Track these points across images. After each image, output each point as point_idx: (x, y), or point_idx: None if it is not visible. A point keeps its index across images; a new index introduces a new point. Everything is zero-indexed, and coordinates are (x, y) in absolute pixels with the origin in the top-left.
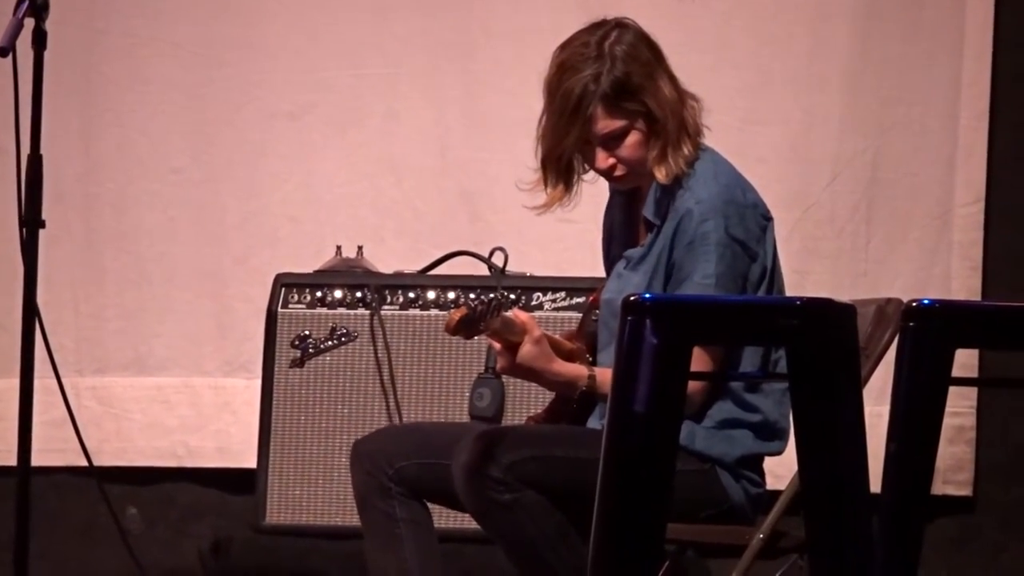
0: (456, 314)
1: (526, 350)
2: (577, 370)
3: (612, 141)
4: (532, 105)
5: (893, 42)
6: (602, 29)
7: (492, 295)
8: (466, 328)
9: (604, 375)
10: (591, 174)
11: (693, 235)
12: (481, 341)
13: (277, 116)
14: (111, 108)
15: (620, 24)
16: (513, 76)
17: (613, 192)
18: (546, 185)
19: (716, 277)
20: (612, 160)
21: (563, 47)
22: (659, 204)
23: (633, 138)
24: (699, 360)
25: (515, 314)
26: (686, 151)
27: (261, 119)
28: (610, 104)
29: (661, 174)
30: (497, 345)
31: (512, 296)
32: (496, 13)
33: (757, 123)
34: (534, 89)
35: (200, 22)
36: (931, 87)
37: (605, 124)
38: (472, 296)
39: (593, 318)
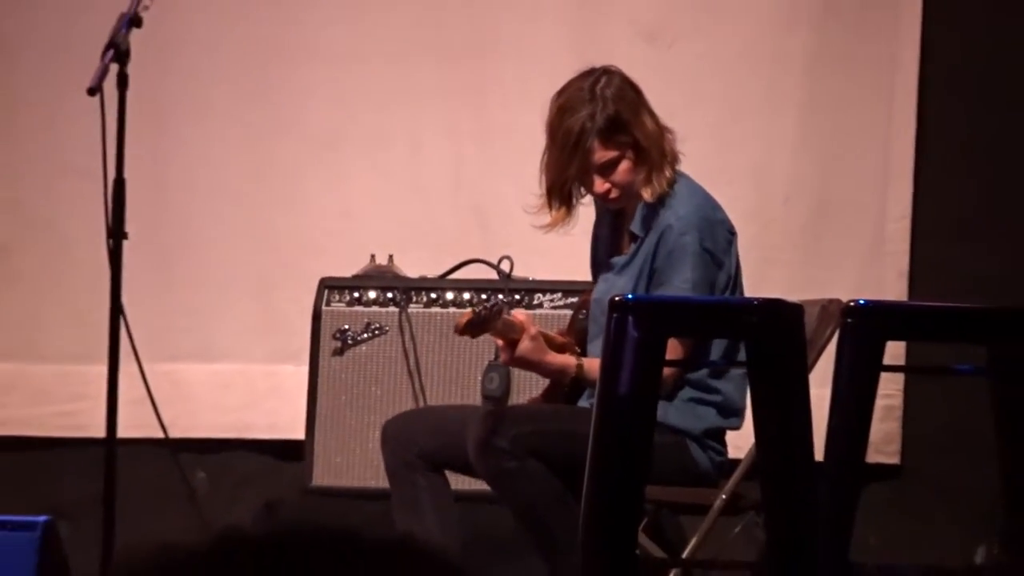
0: (462, 318)
1: (523, 345)
2: (566, 360)
3: (607, 169)
4: (534, 136)
5: (837, 83)
6: (592, 76)
7: (493, 301)
8: (472, 329)
9: (591, 363)
10: (587, 197)
11: (673, 246)
12: (491, 339)
13: (318, 146)
14: (180, 138)
15: (607, 71)
16: (517, 113)
17: (600, 211)
18: (550, 209)
19: (692, 282)
20: (607, 185)
21: (560, 92)
22: (644, 220)
23: (624, 165)
24: (673, 350)
25: (514, 316)
26: (667, 174)
27: (305, 148)
28: (604, 138)
29: (647, 194)
30: (500, 342)
31: (516, 296)
32: (504, 62)
33: (725, 151)
34: (536, 124)
35: (253, 67)
36: (867, 121)
37: (602, 155)
38: (484, 296)
39: (581, 316)
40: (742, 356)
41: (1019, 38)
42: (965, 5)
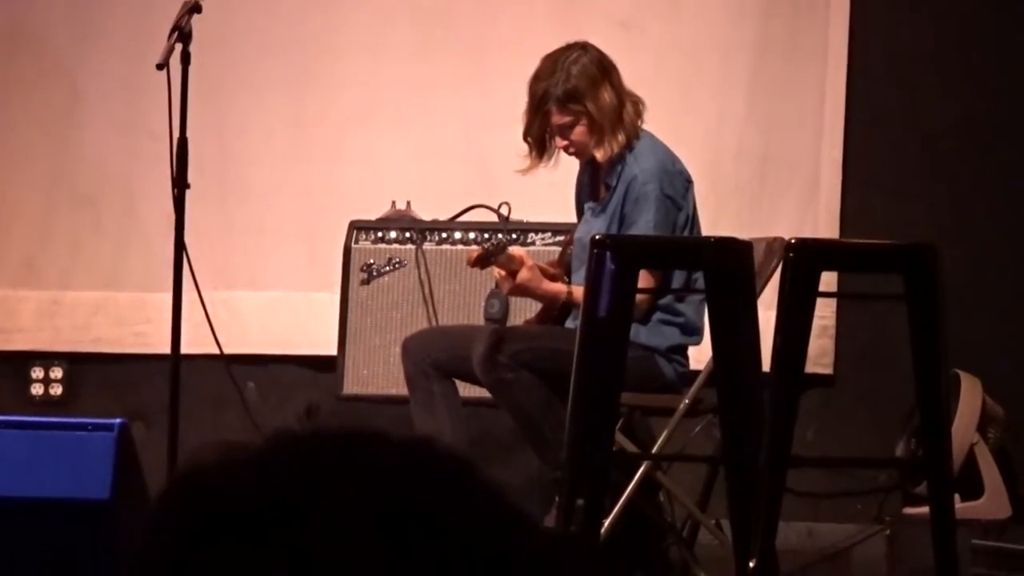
0: (473, 254)
1: (523, 275)
2: (558, 288)
3: (564, 130)
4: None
5: (779, 61)
6: (568, 50)
7: (499, 237)
8: (480, 263)
9: (578, 290)
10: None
11: (638, 193)
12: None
13: (350, 114)
14: (234, 106)
15: (583, 47)
16: (514, 82)
17: (583, 161)
18: (530, 154)
19: (655, 223)
20: (565, 142)
21: (543, 59)
22: (614, 171)
23: (579, 129)
24: (646, 280)
25: (514, 251)
26: (620, 139)
27: (339, 116)
28: (560, 105)
29: (599, 154)
30: (502, 273)
31: (513, 236)
32: (503, 38)
33: (686, 117)
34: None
35: (297, 45)
36: (804, 92)
37: (558, 119)
38: (487, 236)
39: (568, 251)
40: (701, 284)
41: (939, 10)
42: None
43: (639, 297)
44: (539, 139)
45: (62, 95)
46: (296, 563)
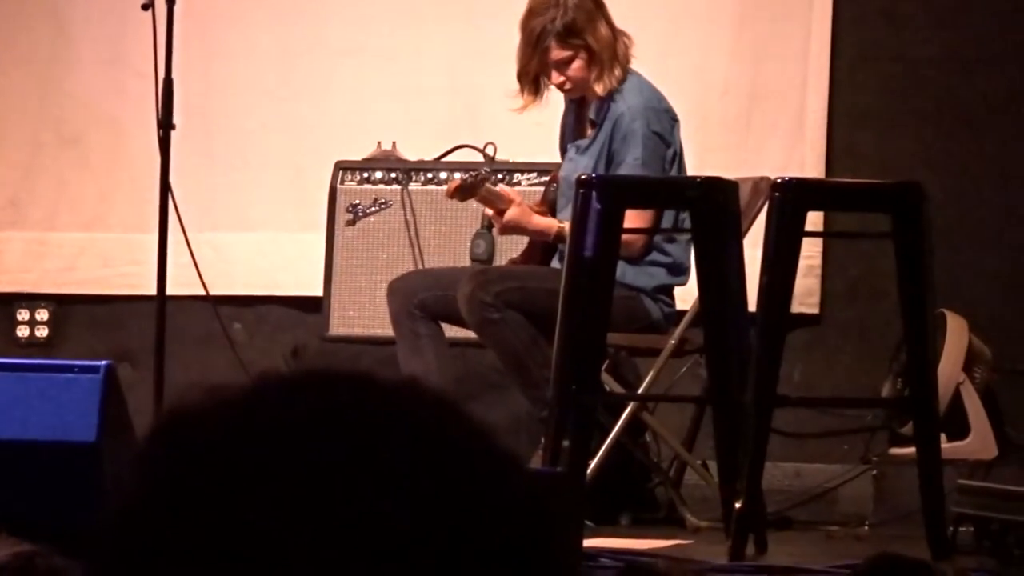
0: (452, 184)
1: (512, 212)
2: (549, 222)
3: (563, 65)
4: (514, 40)
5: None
6: None
7: (478, 172)
8: (460, 194)
9: (567, 226)
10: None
11: (626, 130)
12: (479, 209)
13: (337, 53)
14: (221, 45)
15: None
16: (501, 20)
17: (567, 101)
18: (522, 93)
19: (643, 159)
20: (563, 78)
21: None
22: (600, 109)
23: (578, 64)
24: (637, 219)
25: (501, 189)
26: (617, 73)
27: (326, 55)
28: (560, 39)
29: (599, 88)
30: (490, 211)
31: (499, 176)
32: None
33: (673, 57)
34: (515, 29)
35: None
36: (790, 30)
37: (557, 53)
38: (471, 175)
39: (552, 188)
40: (687, 224)
41: None
42: None
43: (638, 238)
44: (534, 77)
45: (47, 34)
46: (278, 508)
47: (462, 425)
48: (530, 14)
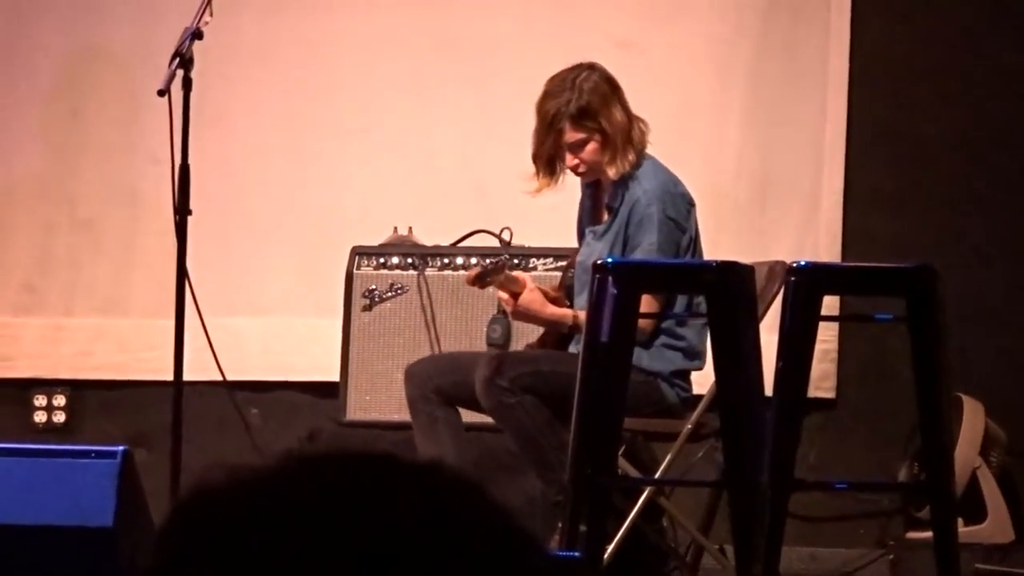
0: (472, 272)
1: (525, 297)
2: (564, 312)
3: (577, 148)
4: (528, 124)
5: (776, 84)
6: (577, 69)
7: (498, 258)
8: (479, 281)
9: (583, 315)
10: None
11: (642, 215)
12: (495, 294)
13: (349, 136)
14: (235, 131)
15: (591, 66)
16: (514, 104)
17: (584, 186)
18: (537, 176)
19: (658, 244)
20: (576, 161)
21: (549, 80)
22: (617, 194)
23: (591, 147)
24: (648, 304)
25: (516, 275)
26: (631, 157)
27: (338, 139)
28: (574, 122)
29: (612, 171)
30: (504, 296)
31: (515, 261)
32: (501, 62)
33: (685, 138)
34: (529, 112)
35: (294, 73)
36: (804, 112)
37: (571, 135)
38: (488, 260)
39: (569, 275)
40: (703, 309)
41: (937, 29)
42: (888, 2)
43: (647, 322)
44: (548, 160)
45: (62, 117)
46: None
47: (485, 506)
48: (546, 96)
